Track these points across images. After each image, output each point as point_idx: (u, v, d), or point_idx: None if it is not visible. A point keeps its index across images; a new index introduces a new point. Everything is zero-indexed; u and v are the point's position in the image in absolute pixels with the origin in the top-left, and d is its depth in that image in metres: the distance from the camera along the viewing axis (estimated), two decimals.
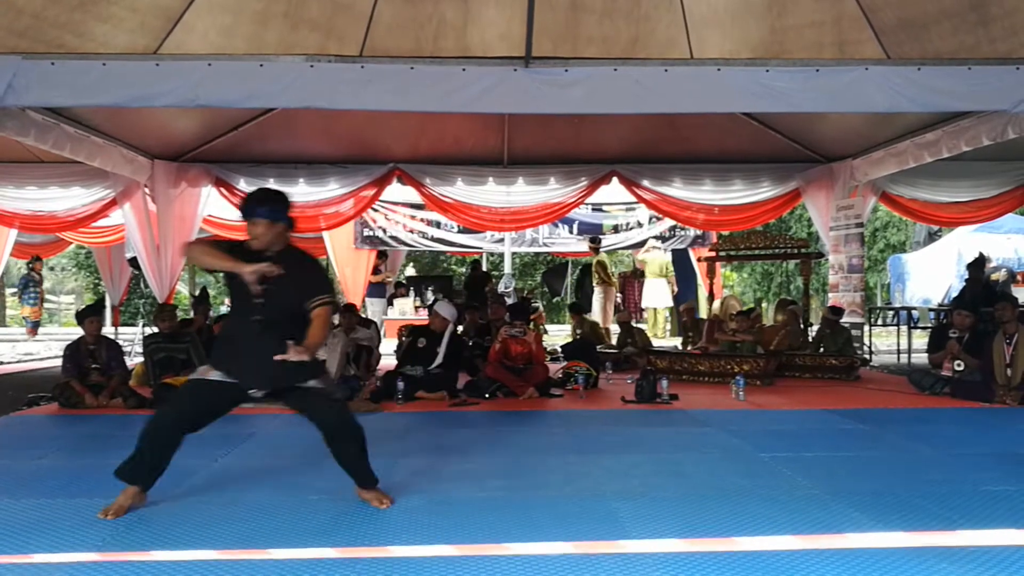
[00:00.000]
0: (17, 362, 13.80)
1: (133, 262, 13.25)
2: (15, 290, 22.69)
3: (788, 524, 4.02)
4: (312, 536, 3.87)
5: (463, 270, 28.78)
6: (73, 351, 8.17)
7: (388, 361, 10.78)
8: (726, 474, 5.18)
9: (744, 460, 5.61)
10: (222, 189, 12.32)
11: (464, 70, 7.68)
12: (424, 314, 13.30)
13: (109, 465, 4.36)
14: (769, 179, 12.91)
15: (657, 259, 16.59)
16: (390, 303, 16.49)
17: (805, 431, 6.82)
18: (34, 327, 19.59)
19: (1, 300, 27.94)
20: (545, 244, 17.71)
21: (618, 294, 16.26)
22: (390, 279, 16.55)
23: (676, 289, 17.01)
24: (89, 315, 8.30)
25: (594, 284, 15.57)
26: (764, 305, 27.78)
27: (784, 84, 7.79)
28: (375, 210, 15.38)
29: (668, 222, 16.07)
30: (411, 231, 16.46)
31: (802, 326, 11.47)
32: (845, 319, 11.54)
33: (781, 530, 3.90)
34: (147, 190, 11.64)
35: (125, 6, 7.33)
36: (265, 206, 4.34)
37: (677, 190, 12.87)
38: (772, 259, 15.16)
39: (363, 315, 12.96)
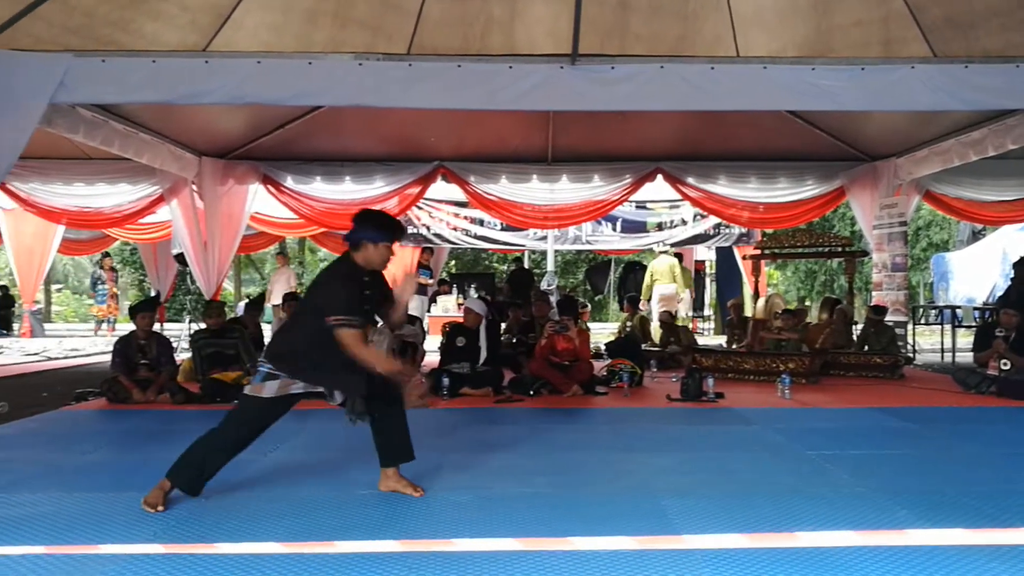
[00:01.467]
0: (64, 358, 14.02)
1: (180, 258, 13.39)
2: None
3: (836, 521, 4.00)
4: (364, 530, 3.90)
5: (504, 268, 28.85)
6: (124, 346, 8.25)
7: (432, 358, 10.83)
8: (773, 472, 5.17)
9: (791, 458, 5.59)
10: (269, 186, 12.44)
11: (511, 67, 7.69)
12: None
13: (157, 460, 4.44)
14: (814, 177, 12.82)
15: (665, 263, 16.45)
16: (433, 300, 16.57)
17: (851, 429, 6.78)
18: (101, 324, 19.80)
19: (47, 296, 28.36)
20: (588, 242, 17.68)
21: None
22: (431, 283, 16.60)
23: (693, 294, 16.94)
24: (141, 310, 8.40)
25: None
26: (807, 304, 27.57)
27: (830, 82, 7.73)
28: (419, 208, 15.42)
29: (712, 220, 16.00)
30: (455, 229, 16.51)
31: (847, 325, 11.39)
32: (889, 318, 11.43)
33: (829, 527, 3.88)
34: (194, 187, 11.76)
35: (175, 4, 7.42)
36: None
37: (722, 187, 12.81)
38: (816, 257, 15.06)
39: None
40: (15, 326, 19.87)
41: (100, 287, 19.64)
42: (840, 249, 11.74)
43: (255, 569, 3.35)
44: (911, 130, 11.12)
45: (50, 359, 13.70)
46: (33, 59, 7.44)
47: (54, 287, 31.19)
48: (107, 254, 20.00)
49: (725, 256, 18.31)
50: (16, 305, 20.22)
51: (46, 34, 7.37)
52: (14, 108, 7.41)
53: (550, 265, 17.14)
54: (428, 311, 16.12)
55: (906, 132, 11.29)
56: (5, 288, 20.57)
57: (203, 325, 9.27)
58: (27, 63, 7.42)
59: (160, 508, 4.17)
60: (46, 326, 20.40)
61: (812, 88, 7.73)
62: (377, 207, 12.43)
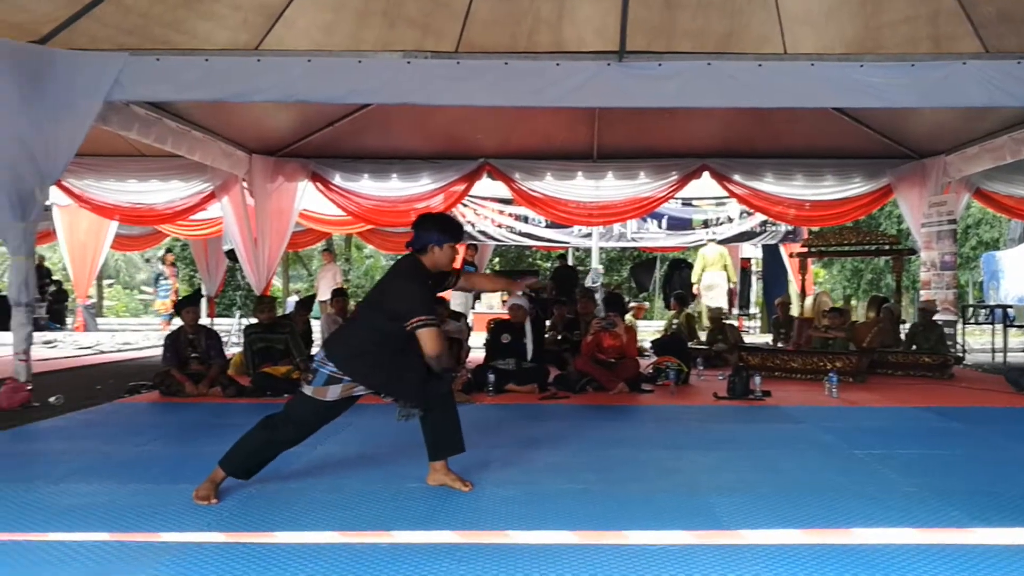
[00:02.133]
0: (116, 351, 14.26)
1: (230, 254, 13.58)
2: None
3: (885, 520, 3.97)
4: (417, 522, 3.94)
5: (548, 265, 28.84)
6: (173, 340, 8.41)
7: (476, 354, 10.88)
8: (821, 470, 5.13)
9: (839, 457, 5.56)
10: (318, 184, 12.60)
11: (558, 65, 7.74)
12: None
13: (209, 453, 4.51)
14: (861, 175, 12.74)
15: (716, 251, 16.48)
16: (477, 297, 16.64)
17: (899, 429, 6.72)
18: (169, 319, 19.91)
19: (99, 291, 28.81)
20: (633, 239, 17.65)
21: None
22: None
23: (736, 281, 16.84)
24: (186, 305, 8.54)
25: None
26: (853, 302, 27.28)
27: (878, 79, 7.69)
28: (464, 205, 15.49)
29: (759, 217, 15.91)
30: (499, 226, 16.55)
31: (894, 323, 11.28)
32: (937, 317, 11.30)
33: (879, 526, 3.86)
34: (245, 184, 11.95)
35: (228, 4, 7.56)
36: None
37: (768, 185, 12.76)
38: (863, 255, 14.92)
39: None
40: (68, 320, 20.23)
41: (163, 282, 19.86)
42: (887, 247, 11.62)
43: (312, 558, 3.40)
44: (961, 127, 10.99)
45: (103, 353, 13.93)
46: (90, 58, 7.64)
47: (106, 282, 31.68)
48: (170, 250, 20.22)
49: (771, 254, 18.17)
50: (70, 300, 20.58)
51: (102, 34, 7.55)
52: (71, 106, 7.62)
53: (595, 262, 17.13)
54: (472, 307, 16.18)
55: (956, 129, 11.16)
56: (59, 283, 20.94)
57: (253, 320, 9.38)
58: (84, 62, 7.63)
59: (213, 501, 4.24)
60: (98, 320, 20.72)
61: (860, 85, 7.70)
62: (422, 204, 12.59)
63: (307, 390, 4.37)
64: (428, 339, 4.23)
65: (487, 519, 4.02)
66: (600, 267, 19.53)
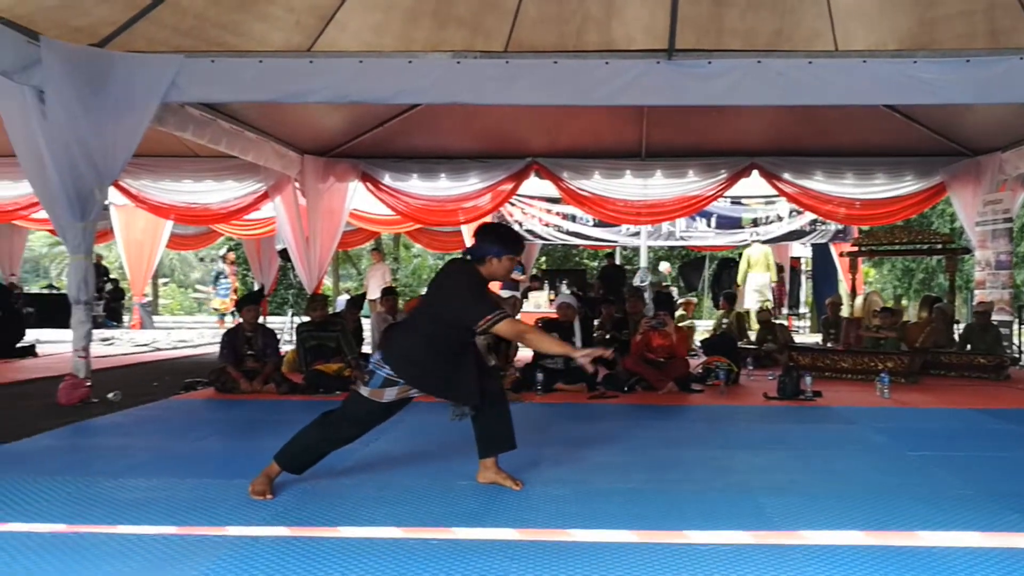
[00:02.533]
0: (172, 348, 14.51)
1: (283, 254, 13.75)
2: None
3: (941, 523, 3.93)
4: (467, 519, 3.97)
5: (596, 264, 28.79)
6: (231, 337, 8.55)
7: (525, 353, 10.89)
8: (874, 472, 5.10)
9: (892, 458, 5.52)
10: (368, 184, 12.72)
11: (607, 63, 7.74)
12: None
13: (264, 448, 4.57)
14: (913, 173, 12.56)
15: (760, 251, 16.37)
16: (524, 296, 16.63)
17: (954, 430, 6.65)
18: (224, 317, 20.14)
19: (155, 289, 29.26)
20: (682, 238, 17.59)
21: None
22: (524, 279, 16.66)
23: (776, 280, 16.67)
24: (247, 304, 8.72)
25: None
26: (904, 302, 26.90)
27: (932, 75, 7.58)
28: (512, 204, 15.54)
29: (808, 216, 15.76)
30: (546, 225, 16.56)
31: (948, 323, 11.12)
32: (993, 317, 11.12)
33: (934, 528, 3.82)
34: (297, 184, 12.09)
35: (282, 5, 7.65)
36: None
37: (818, 183, 12.64)
38: (916, 255, 14.69)
39: None
40: (125, 318, 20.61)
41: (223, 281, 20.13)
42: (940, 246, 11.46)
43: (367, 553, 3.44)
44: (1017, 123, 10.76)
45: (159, 350, 14.18)
46: (147, 60, 7.78)
47: (161, 281, 32.21)
48: (231, 248, 20.44)
49: (821, 253, 18.00)
50: (126, 298, 20.97)
51: (159, 36, 7.68)
52: (129, 107, 7.77)
53: (643, 261, 17.07)
54: (520, 307, 16.19)
55: (1012, 125, 10.93)
56: (116, 281, 21.35)
57: (305, 318, 9.50)
58: (141, 64, 7.77)
59: (268, 496, 4.30)
60: (154, 318, 21.09)
61: (913, 81, 7.60)
62: (470, 203, 12.65)
63: (364, 391, 4.40)
64: (507, 329, 4.28)
65: (539, 517, 4.03)
66: (667, 265, 19.46)
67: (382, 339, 5.02)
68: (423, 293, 4.72)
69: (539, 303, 16.23)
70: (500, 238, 4.52)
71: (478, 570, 3.27)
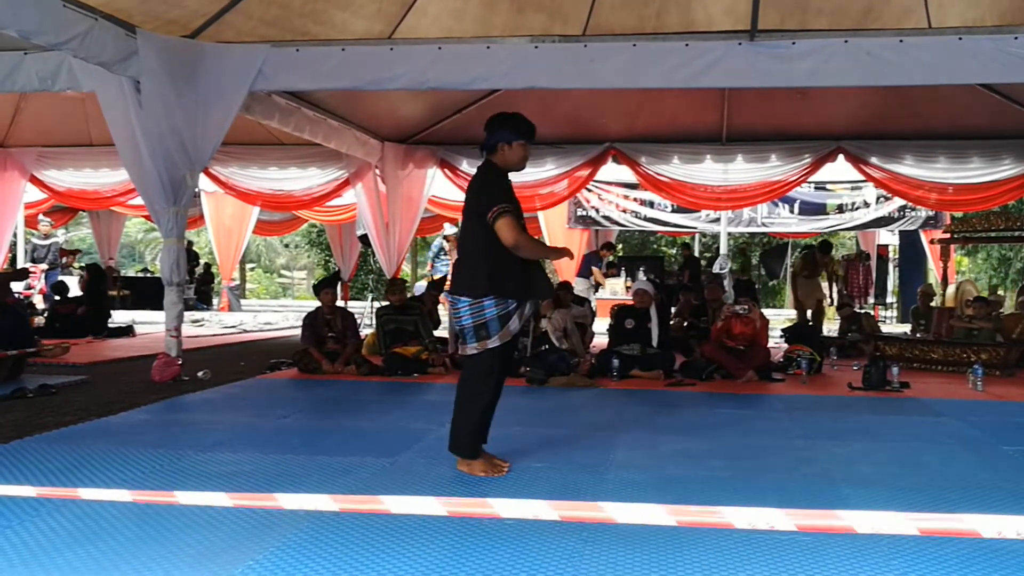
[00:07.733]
0: (258, 330, 14.89)
1: (364, 239, 13.98)
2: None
3: None
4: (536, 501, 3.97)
5: (674, 251, 28.60)
6: (311, 320, 8.76)
7: (600, 340, 10.86)
8: (965, 466, 4.90)
9: (985, 452, 5.31)
10: (446, 170, 12.79)
11: (687, 45, 7.67)
12: None
13: (345, 426, 4.73)
14: (1011, 156, 12.04)
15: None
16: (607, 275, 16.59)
17: None
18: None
19: (242, 273, 29.90)
20: (763, 224, 17.35)
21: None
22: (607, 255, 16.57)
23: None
24: (324, 287, 8.95)
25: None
26: (1001, 292, 26.13)
27: None
28: (589, 190, 15.51)
29: (897, 202, 15.40)
30: (624, 211, 16.50)
31: None
32: None
33: None
34: (377, 171, 12.27)
35: None
36: None
37: (908, 168, 12.24)
38: (1013, 242, 14.22)
39: None
40: (215, 301, 21.19)
41: (442, 257, 20.23)
42: None
43: (438, 529, 3.51)
44: None
45: (246, 332, 14.59)
46: (235, 50, 8.00)
47: (248, 266, 32.96)
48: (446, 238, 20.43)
49: (909, 240, 17.60)
50: (216, 281, 21.56)
51: (246, 27, 7.87)
52: (219, 96, 8.01)
53: (723, 248, 16.91)
54: (596, 293, 16.18)
55: None
56: (208, 265, 22.03)
57: (384, 302, 9.66)
58: (230, 54, 8.00)
59: (505, 468, 4.47)
60: (242, 302, 21.64)
61: (1014, 59, 7.29)
62: (546, 190, 12.67)
63: (469, 350, 4.40)
64: (505, 228, 4.22)
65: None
66: (728, 252, 19.16)
67: (452, 281, 5.00)
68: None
69: (616, 290, 16.22)
70: (510, 125, 4.46)
71: (556, 551, 3.29)
